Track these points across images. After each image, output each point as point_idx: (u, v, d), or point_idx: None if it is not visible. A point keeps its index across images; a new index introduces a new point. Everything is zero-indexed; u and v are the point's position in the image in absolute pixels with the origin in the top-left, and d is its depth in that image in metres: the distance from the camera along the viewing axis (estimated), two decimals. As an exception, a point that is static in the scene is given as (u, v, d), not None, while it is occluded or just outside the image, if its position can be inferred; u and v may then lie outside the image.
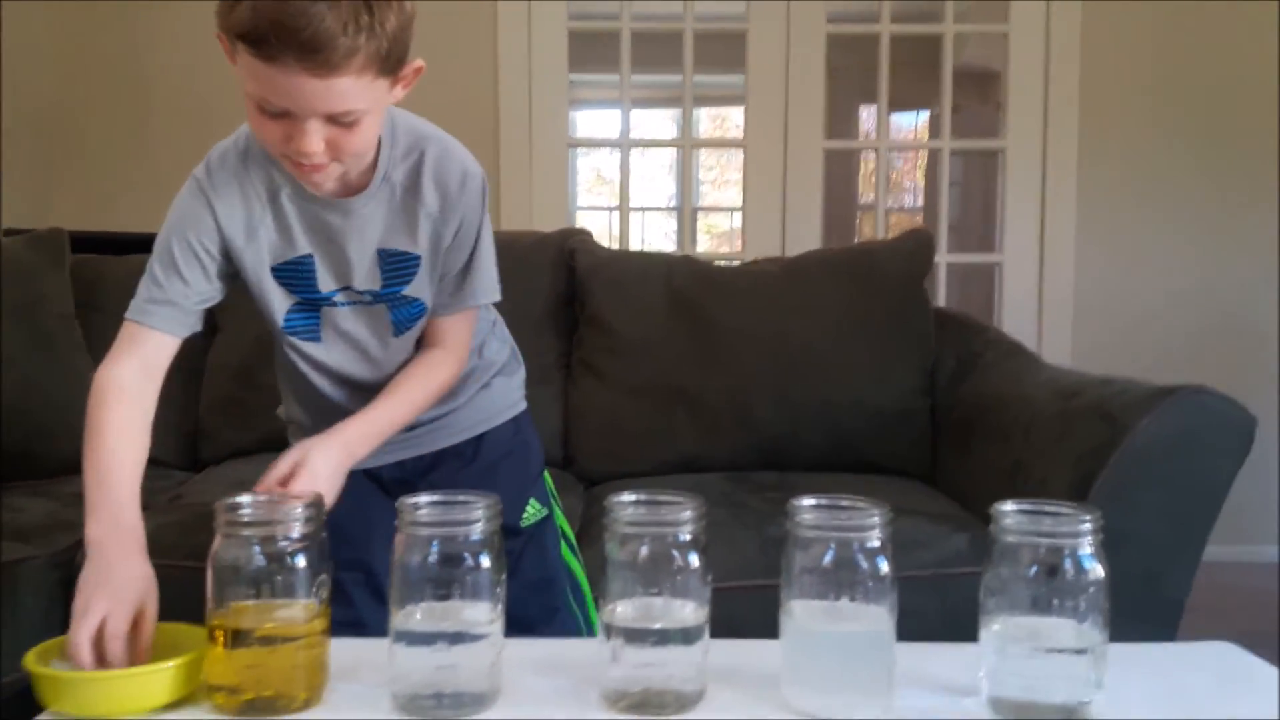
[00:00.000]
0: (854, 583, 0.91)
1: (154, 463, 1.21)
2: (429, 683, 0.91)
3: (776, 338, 2.29)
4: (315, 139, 1.10)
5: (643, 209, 7.06)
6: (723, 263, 2.88)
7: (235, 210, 1.24)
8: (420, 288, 1.31)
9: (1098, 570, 0.89)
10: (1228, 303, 3.29)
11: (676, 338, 2.30)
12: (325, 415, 1.35)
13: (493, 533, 0.92)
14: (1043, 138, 3.24)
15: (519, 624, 0.98)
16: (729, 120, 6.44)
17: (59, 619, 1.12)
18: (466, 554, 0.91)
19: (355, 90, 1.08)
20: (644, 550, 0.91)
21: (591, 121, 6.01)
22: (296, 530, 0.92)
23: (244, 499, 0.95)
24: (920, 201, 6.34)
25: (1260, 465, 3.05)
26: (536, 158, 3.24)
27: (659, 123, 6.67)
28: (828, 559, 0.91)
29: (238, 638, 0.91)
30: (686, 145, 3.58)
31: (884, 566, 0.91)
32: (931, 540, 1.79)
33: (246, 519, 0.93)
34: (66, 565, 1.70)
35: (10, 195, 3.01)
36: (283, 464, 1.17)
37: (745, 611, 1.04)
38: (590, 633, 1.46)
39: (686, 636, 0.91)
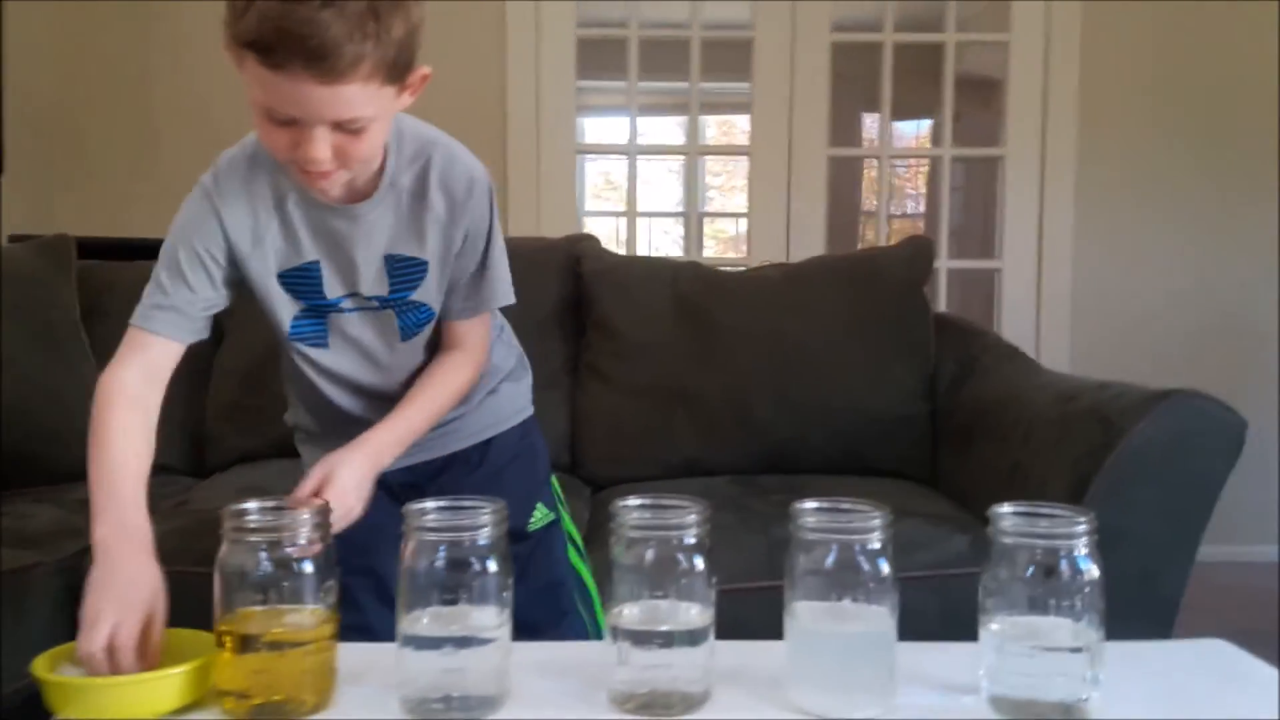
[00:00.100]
0: (856, 584, 0.91)
1: (160, 468, 1.21)
2: (437, 686, 0.92)
3: (780, 341, 2.30)
4: (322, 146, 1.10)
5: (650, 214, 7.04)
6: (728, 268, 2.88)
7: (242, 217, 1.25)
8: (428, 293, 1.31)
9: (1093, 571, 0.90)
10: (1227, 303, 3.29)
11: (682, 342, 2.31)
12: (332, 421, 1.36)
13: (500, 537, 0.93)
14: (1041, 144, 3.25)
15: (526, 628, 0.98)
16: (736, 127, 6.43)
17: (66, 625, 1.12)
18: (474, 559, 0.91)
19: (362, 97, 1.08)
20: (649, 554, 0.92)
21: (599, 128, 6.02)
22: (303, 536, 0.93)
23: (251, 505, 0.94)
24: (922, 208, 6.34)
25: (1258, 465, 3.06)
26: (544, 163, 3.24)
27: (666, 129, 6.66)
28: (830, 561, 0.91)
29: (246, 643, 0.91)
30: (693, 152, 3.59)
31: (885, 568, 0.92)
32: (932, 542, 1.80)
33: (253, 525, 0.93)
34: (73, 572, 1.70)
35: (13, 199, 3.01)
36: (310, 480, 1.18)
37: (753, 613, 1.05)
38: (598, 636, 1.46)
39: (692, 638, 0.92)
